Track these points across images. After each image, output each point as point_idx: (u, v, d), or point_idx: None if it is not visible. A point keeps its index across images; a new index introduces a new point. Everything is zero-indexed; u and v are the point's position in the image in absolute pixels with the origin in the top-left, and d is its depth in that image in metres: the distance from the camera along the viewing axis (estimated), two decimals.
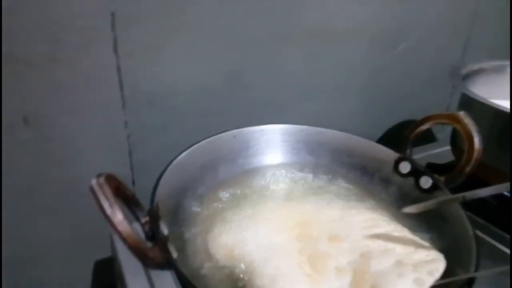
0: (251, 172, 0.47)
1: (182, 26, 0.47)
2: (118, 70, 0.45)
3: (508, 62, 0.61)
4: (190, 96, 0.51)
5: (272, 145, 0.48)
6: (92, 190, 0.25)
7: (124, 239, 0.25)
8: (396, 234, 0.38)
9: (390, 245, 0.37)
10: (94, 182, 0.25)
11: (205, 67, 0.51)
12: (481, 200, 0.52)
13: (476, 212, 0.45)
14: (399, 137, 0.45)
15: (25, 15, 0.39)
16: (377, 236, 0.38)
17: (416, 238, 0.38)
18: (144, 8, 0.44)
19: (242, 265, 0.35)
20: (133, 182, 0.53)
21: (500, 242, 0.47)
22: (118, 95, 0.47)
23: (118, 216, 0.25)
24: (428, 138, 0.77)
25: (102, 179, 0.26)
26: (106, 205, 0.25)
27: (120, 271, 0.42)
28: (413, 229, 0.40)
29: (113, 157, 0.50)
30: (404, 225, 0.40)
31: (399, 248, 0.36)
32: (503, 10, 0.74)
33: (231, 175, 0.46)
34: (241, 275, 0.35)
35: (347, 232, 0.39)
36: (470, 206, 0.38)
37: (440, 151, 0.68)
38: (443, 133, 0.79)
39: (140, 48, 0.46)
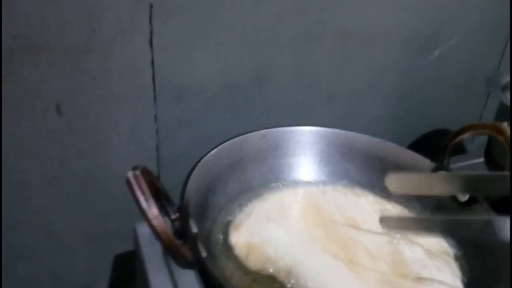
0: (279, 173, 0.46)
1: (215, 23, 0.47)
2: (152, 63, 0.45)
3: None
4: (218, 93, 0.51)
5: (302, 146, 0.47)
6: (128, 182, 0.25)
7: (158, 235, 0.24)
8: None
9: (405, 229, 0.37)
10: (130, 174, 0.25)
11: (235, 64, 0.50)
12: None
13: None
14: (430, 146, 0.44)
15: (63, 4, 0.39)
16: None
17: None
18: (181, 2, 0.44)
19: (284, 267, 0.34)
20: (158, 178, 0.53)
21: None
22: (151, 89, 0.46)
23: (153, 210, 0.24)
24: (457, 149, 0.75)
25: (138, 172, 0.25)
26: (142, 199, 0.24)
27: (142, 266, 0.42)
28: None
29: (141, 150, 0.49)
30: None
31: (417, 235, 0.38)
32: None
33: (260, 175, 0.45)
34: (282, 279, 0.33)
35: (361, 216, 0.40)
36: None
37: (470, 164, 0.65)
38: (473, 144, 0.76)
39: (174, 42, 0.46)
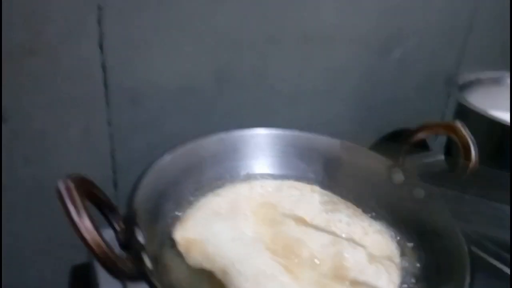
0: (236, 175, 0.45)
1: (171, 23, 0.45)
2: (103, 66, 0.43)
3: (506, 74, 0.60)
4: (176, 96, 0.49)
5: (261, 149, 0.46)
6: (58, 193, 0.23)
7: (90, 248, 0.23)
8: (356, 218, 0.40)
9: (353, 230, 0.39)
10: (61, 184, 0.23)
11: (193, 66, 0.49)
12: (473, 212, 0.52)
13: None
14: (391, 145, 0.44)
15: (5, 3, 0.37)
16: (340, 220, 0.39)
17: (372, 222, 0.40)
18: (133, 3, 0.42)
19: (220, 267, 0.33)
20: (115, 184, 0.50)
21: (493, 257, 0.46)
22: (102, 92, 0.44)
23: (86, 223, 0.23)
24: (421, 147, 0.76)
25: (69, 181, 0.24)
26: (73, 211, 0.23)
27: (94, 278, 0.40)
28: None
29: (94, 157, 0.47)
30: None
31: (361, 236, 0.38)
32: (499, 20, 0.73)
33: (216, 178, 0.44)
34: (218, 277, 0.33)
35: (311, 214, 0.40)
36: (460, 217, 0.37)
37: (433, 161, 0.66)
38: (436, 142, 0.78)
39: (126, 44, 0.44)
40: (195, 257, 0.34)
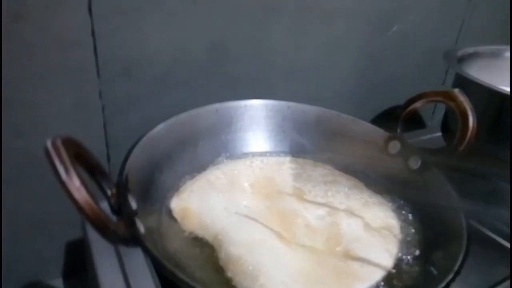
0: (232, 150, 0.44)
1: None
2: (93, 33, 0.42)
3: (504, 47, 0.59)
4: (171, 67, 0.48)
5: (256, 121, 0.46)
6: (46, 152, 0.22)
7: (80, 208, 0.22)
8: (356, 190, 0.40)
9: (351, 202, 0.38)
10: (49, 143, 0.22)
11: (187, 36, 0.48)
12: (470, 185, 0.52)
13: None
14: (390, 121, 0.43)
15: None
16: (338, 192, 0.39)
17: (372, 194, 0.40)
18: None
19: (213, 234, 0.34)
20: (108, 158, 0.50)
21: (487, 228, 0.46)
22: (93, 61, 0.43)
23: (74, 181, 0.22)
24: (418, 124, 0.76)
25: (58, 140, 0.23)
26: (61, 170, 0.22)
27: (89, 252, 0.39)
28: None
29: (86, 129, 0.46)
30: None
31: (360, 207, 0.38)
32: None
33: (212, 152, 0.43)
34: (210, 243, 0.33)
35: (309, 186, 0.39)
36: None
37: (430, 137, 0.66)
38: (433, 120, 0.77)
39: (117, 9, 0.42)
40: (189, 225, 0.35)
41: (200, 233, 0.34)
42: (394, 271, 0.33)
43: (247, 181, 0.40)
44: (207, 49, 0.50)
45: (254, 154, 0.45)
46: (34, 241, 0.50)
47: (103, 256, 0.37)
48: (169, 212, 0.36)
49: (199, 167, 0.42)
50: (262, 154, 0.45)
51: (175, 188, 0.39)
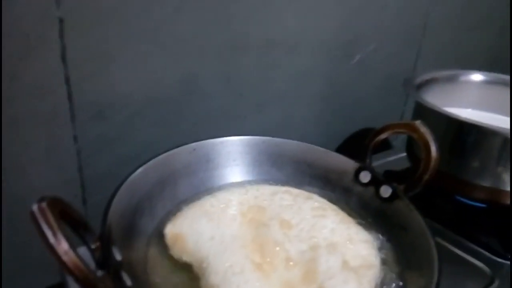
0: (211, 186, 0.45)
1: (134, 34, 0.45)
2: (67, 80, 0.42)
3: (459, 71, 0.64)
4: (144, 107, 0.49)
5: (233, 157, 0.47)
6: (32, 216, 0.23)
7: (69, 271, 0.22)
8: (342, 225, 0.40)
9: (336, 237, 0.39)
10: (35, 207, 0.23)
11: (158, 76, 0.49)
12: (435, 205, 0.55)
13: (431, 217, 0.47)
14: (357, 145, 0.46)
15: None
16: (324, 226, 0.39)
17: (359, 231, 0.40)
18: (95, 14, 0.42)
19: (199, 261, 0.35)
20: (84, 201, 0.49)
21: (455, 246, 0.49)
22: (66, 107, 0.43)
23: (63, 245, 0.22)
24: (384, 145, 0.79)
25: (44, 204, 0.23)
26: (49, 234, 0.22)
27: None
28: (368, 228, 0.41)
29: (61, 174, 0.46)
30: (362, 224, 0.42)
31: (343, 243, 0.38)
32: (450, 22, 0.78)
33: (191, 190, 0.44)
34: (196, 270, 0.35)
35: (298, 219, 0.40)
36: (424, 211, 0.39)
37: (396, 158, 0.70)
38: (397, 140, 0.81)
39: (90, 56, 0.43)
40: (178, 250, 0.37)
41: (188, 259, 0.36)
42: None
43: (239, 210, 0.41)
44: (179, 88, 0.51)
45: (250, 183, 0.46)
46: None
47: None
48: (159, 240, 0.38)
49: (179, 205, 0.42)
50: (258, 182, 0.47)
51: (158, 229, 0.39)
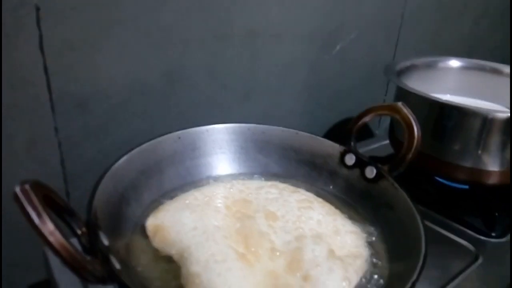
0: (198, 175, 0.45)
1: (115, 23, 0.44)
2: (45, 70, 0.41)
3: (437, 58, 0.65)
4: (127, 98, 0.48)
5: (219, 145, 0.47)
6: (16, 197, 0.22)
7: (56, 252, 0.22)
8: (329, 217, 0.40)
9: (322, 229, 0.38)
10: (18, 189, 0.22)
11: (141, 66, 0.48)
12: (419, 188, 0.56)
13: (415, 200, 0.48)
14: (341, 134, 0.46)
15: None
16: (311, 218, 0.39)
17: (346, 222, 0.40)
18: (73, 2, 0.41)
19: (180, 251, 0.35)
20: (68, 195, 0.48)
21: (439, 226, 0.50)
22: (47, 98, 0.42)
23: (48, 225, 0.22)
24: (366, 134, 0.81)
25: (27, 186, 0.22)
26: (33, 214, 0.22)
27: None
28: (356, 220, 0.41)
29: (43, 167, 0.45)
30: (349, 216, 0.41)
31: (330, 234, 0.38)
32: (427, 11, 0.80)
33: (178, 179, 0.43)
34: (176, 260, 0.34)
35: (283, 211, 0.40)
36: (408, 194, 0.39)
37: (379, 145, 0.71)
38: (380, 129, 0.83)
39: (69, 46, 0.42)
40: (159, 242, 0.36)
41: (168, 250, 0.35)
42: None
43: (224, 203, 0.40)
44: (162, 78, 0.51)
45: (235, 177, 0.46)
46: None
47: None
48: (143, 230, 0.37)
49: (165, 194, 0.42)
50: (244, 176, 0.46)
51: (143, 216, 0.39)
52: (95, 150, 0.48)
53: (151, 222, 0.38)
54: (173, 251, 0.35)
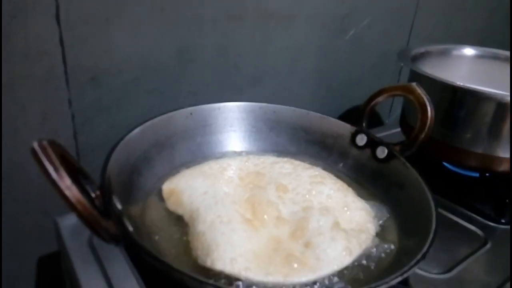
0: (209, 151, 0.45)
1: None
2: (61, 42, 0.41)
3: (451, 46, 0.65)
4: (139, 74, 0.49)
5: (230, 123, 0.47)
6: (34, 153, 0.22)
7: (73, 206, 0.22)
8: (340, 193, 0.40)
9: (331, 203, 0.39)
10: (36, 144, 0.22)
11: (155, 43, 0.48)
12: (429, 175, 0.55)
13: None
14: (351, 122, 0.46)
15: None
16: (321, 192, 0.39)
17: (356, 199, 0.40)
18: None
19: (189, 212, 0.36)
20: None
21: (449, 211, 0.50)
22: (61, 70, 0.43)
23: (65, 180, 0.22)
24: (377, 123, 0.80)
25: (45, 142, 0.23)
26: (51, 169, 0.22)
27: (69, 265, 0.38)
28: (367, 198, 0.41)
29: (56, 139, 0.45)
30: (360, 194, 0.41)
31: (339, 209, 0.38)
32: (442, 1, 0.79)
33: (190, 154, 0.44)
34: (186, 220, 0.36)
35: (295, 184, 0.40)
36: None
37: (389, 133, 0.70)
38: (390, 118, 0.82)
39: (85, 18, 0.42)
40: (172, 204, 0.38)
41: (180, 211, 0.37)
42: (350, 267, 0.33)
43: (237, 174, 0.42)
44: (175, 56, 0.51)
45: (249, 153, 0.47)
46: (4, 258, 0.47)
47: (85, 269, 0.37)
48: (159, 194, 0.39)
49: (176, 169, 0.42)
50: (260, 153, 0.47)
51: (155, 187, 0.40)
52: (107, 125, 0.48)
53: (166, 186, 0.40)
54: (184, 212, 0.37)
